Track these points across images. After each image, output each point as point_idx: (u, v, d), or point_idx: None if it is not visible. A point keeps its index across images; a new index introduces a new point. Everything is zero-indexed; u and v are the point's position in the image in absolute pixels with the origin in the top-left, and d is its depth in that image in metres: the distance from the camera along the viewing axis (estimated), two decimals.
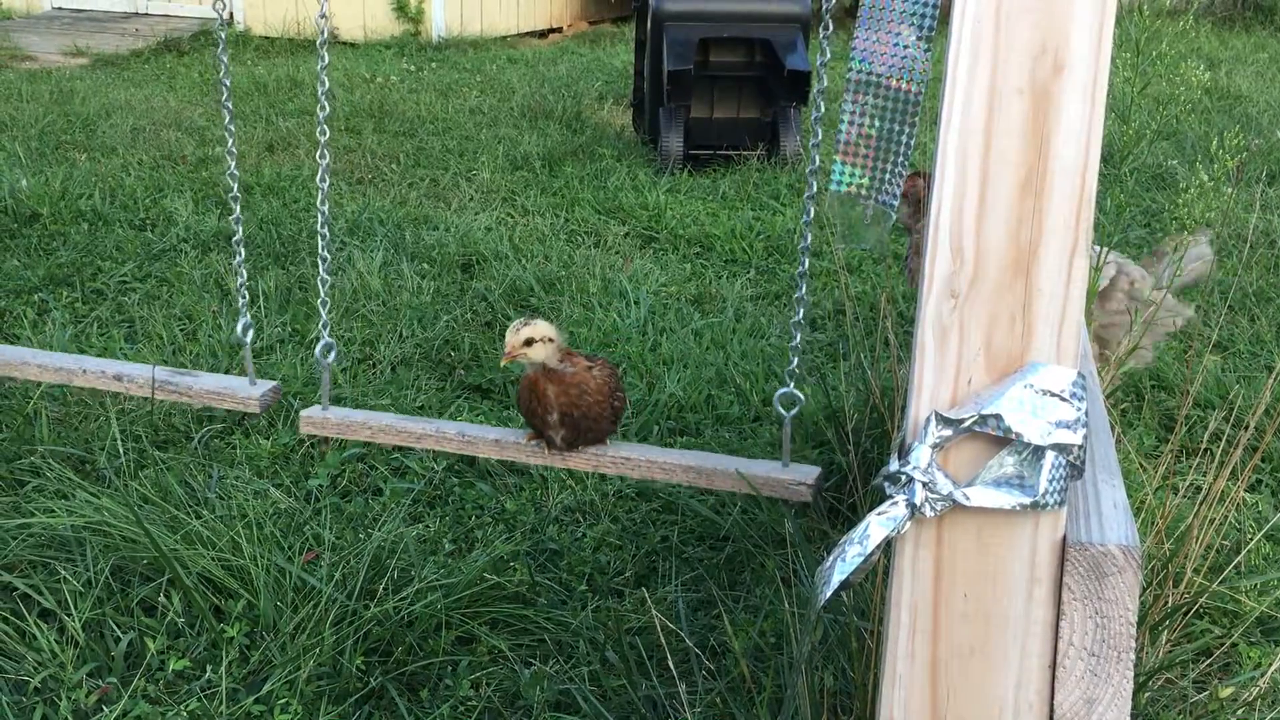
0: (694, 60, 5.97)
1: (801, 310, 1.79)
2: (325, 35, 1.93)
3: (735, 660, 2.13)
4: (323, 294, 2.03)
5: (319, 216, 1.98)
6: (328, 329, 2.02)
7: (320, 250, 2.04)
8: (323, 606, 2.26)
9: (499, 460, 3.06)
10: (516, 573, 2.53)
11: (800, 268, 1.78)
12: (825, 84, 1.73)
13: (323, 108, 1.97)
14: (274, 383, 2.10)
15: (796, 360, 1.79)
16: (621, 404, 1.96)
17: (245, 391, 2.05)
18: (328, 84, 1.96)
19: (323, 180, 1.99)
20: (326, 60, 1.95)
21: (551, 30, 11.98)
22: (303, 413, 2.02)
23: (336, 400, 3.35)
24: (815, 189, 1.76)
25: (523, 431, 1.99)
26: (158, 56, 9.80)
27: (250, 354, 2.09)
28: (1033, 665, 1.24)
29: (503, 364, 1.88)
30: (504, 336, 1.88)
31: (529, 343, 1.86)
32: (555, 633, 2.37)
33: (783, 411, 1.78)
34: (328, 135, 1.98)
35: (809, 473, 1.80)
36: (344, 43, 10.54)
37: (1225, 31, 11.34)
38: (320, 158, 1.99)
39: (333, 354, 2.01)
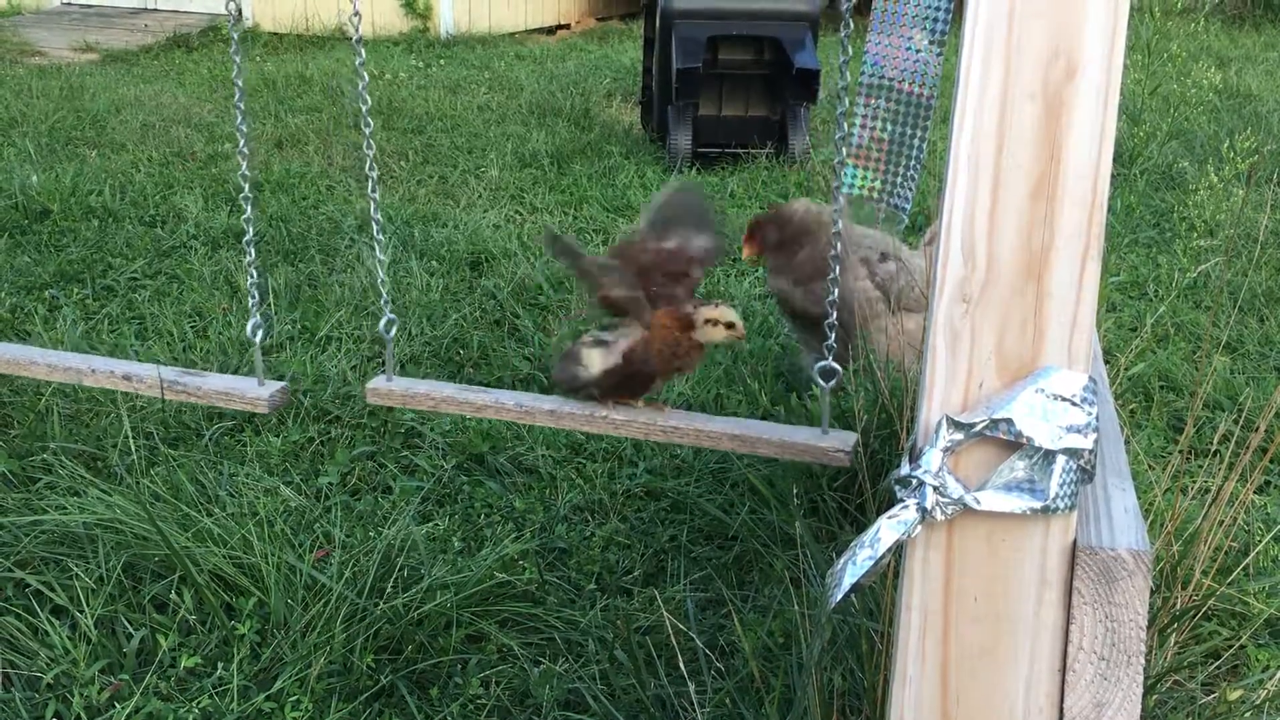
0: (703, 58, 5.97)
1: (835, 290, 1.82)
2: (359, 33, 1.98)
3: (744, 660, 2.13)
4: (380, 274, 2.11)
5: (370, 203, 2.05)
6: (389, 305, 2.09)
7: (374, 234, 2.11)
8: (333, 604, 2.27)
9: (508, 460, 3.08)
10: (526, 571, 2.54)
11: (834, 249, 1.79)
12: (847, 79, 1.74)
13: (364, 100, 2.04)
14: (282, 383, 2.10)
15: (833, 336, 1.83)
16: None
17: (254, 392, 2.05)
18: (367, 79, 2.01)
19: (371, 169, 2.06)
20: (363, 56, 2.00)
21: (559, 27, 11.98)
22: (369, 384, 2.07)
23: (345, 399, 3.36)
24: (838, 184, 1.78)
25: (575, 402, 2.00)
26: (167, 52, 9.82)
27: (260, 354, 2.10)
28: (1042, 668, 1.24)
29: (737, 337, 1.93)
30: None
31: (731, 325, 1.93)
32: (564, 631, 2.38)
33: (821, 382, 1.83)
34: (371, 128, 2.04)
35: (847, 439, 1.85)
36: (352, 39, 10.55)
37: (1235, 30, 11.30)
38: (366, 148, 2.07)
39: (394, 329, 2.07)
